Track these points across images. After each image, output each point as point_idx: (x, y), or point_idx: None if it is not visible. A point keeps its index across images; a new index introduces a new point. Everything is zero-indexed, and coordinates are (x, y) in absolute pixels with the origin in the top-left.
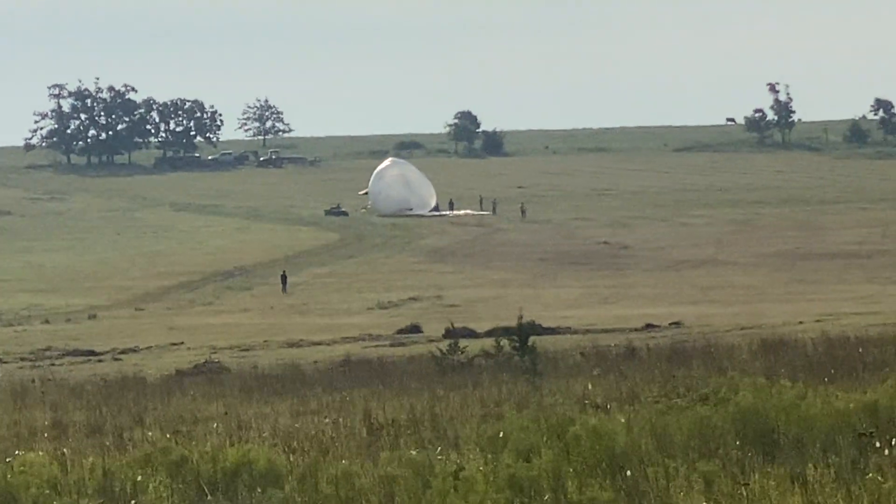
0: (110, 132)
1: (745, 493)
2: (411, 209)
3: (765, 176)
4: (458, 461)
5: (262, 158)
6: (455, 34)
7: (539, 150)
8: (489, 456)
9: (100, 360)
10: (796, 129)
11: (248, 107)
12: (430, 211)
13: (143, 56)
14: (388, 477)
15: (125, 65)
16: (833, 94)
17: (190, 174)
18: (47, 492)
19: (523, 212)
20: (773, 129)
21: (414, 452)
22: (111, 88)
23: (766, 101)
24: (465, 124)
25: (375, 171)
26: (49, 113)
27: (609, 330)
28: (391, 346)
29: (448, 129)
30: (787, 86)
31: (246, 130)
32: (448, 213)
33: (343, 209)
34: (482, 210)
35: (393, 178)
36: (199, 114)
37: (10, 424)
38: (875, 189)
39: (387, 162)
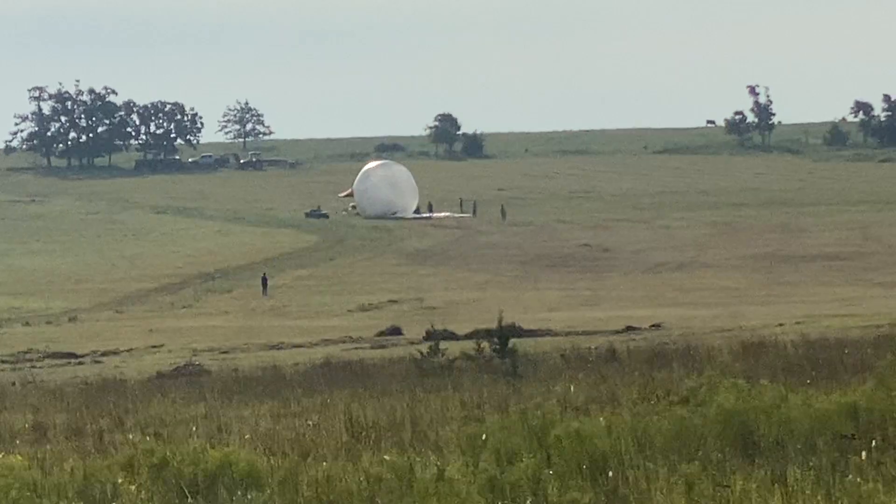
0: (91, 135)
1: (725, 496)
2: (396, 212)
3: (745, 178)
4: (439, 464)
5: (242, 161)
6: (435, 36)
7: (519, 152)
8: (469, 458)
9: (80, 363)
10: (776, 131)
11: (229, 109)
12: (413, 213)
13: (124, 59)
14: (370, 479)
15: (105, 67)
16: (813, 96)
17: (170, 177)
18: (27, 494)
19: (503, 214)
20: (753, 132)
21: (393, 455)
22: (91, 91)
23: (746, 104)
24: (446, 126)
25: (362, 171)
26: (29, 115)
27: (589, 332)
28: (371, 348)
29: (428, 131)
30: (767, 88)
31: (226, 133)
32: (429, 215)
33: (323, 211)
34: (462, 212)
35: (380, 178)
36: (179, 116)
37: None
38: (855, 191)
39: (374, 162)
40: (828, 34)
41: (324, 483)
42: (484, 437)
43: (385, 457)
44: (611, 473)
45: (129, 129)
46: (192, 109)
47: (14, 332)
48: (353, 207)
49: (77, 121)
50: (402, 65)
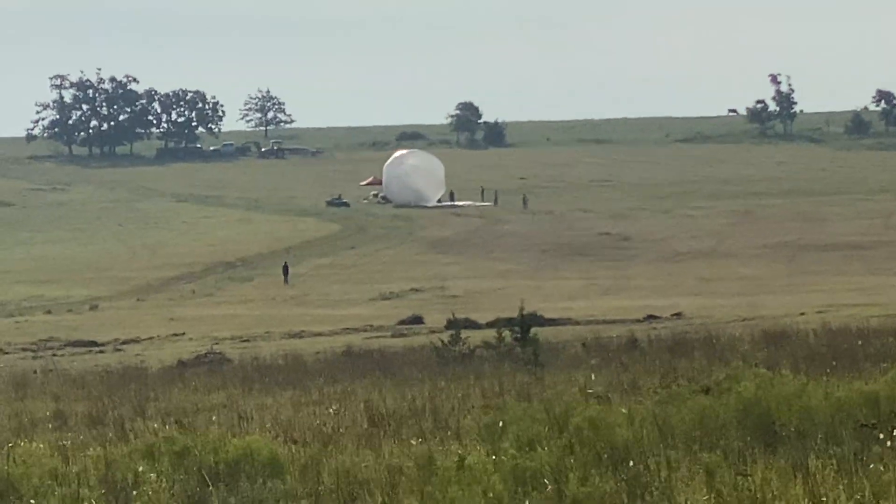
0: (112, 123)
1: (746, 485)
2: (426, 200)
3: (766, 167)
4: (460, 452)
5: (263, 149)
6: (457, 25)
7: (541, 141)
8: (490, 447)
9: (101, 351)
10: (798, 120)
11: (250, 97)
12: (438, 202)
13: (145, 47)
14: (391, 468)
15: (127, 55)
16: (835, 85)
17: (191, 165)
18: (49, 482)
19: (525, 203)
20: (774, 121)
21: (415, 443)
22: (113, 79)
23: (767, 93)
24: (467, 115)
25: (394, 157)
26: (51, 103)
27: (610, 321)
28: (392, 336)
29: (450, 120)
30: (789, 77)
31: (248, 121)
32: (450, 203)
33: (345, 200)
34: (484, 201)
35: (412, 166)
36: (200, 104)
37: (12, 415)
38: (876, 180)
39: (404, 150)
40: (850, 23)
41: (345, 471)
42: (505, 425)
43: (413, 442)
44: (632, 462)
45: (150, 118)
46: (214, 97)
47: (35, 320)
48: (375, 195)
49: (98, 109)
50: (423, 53)
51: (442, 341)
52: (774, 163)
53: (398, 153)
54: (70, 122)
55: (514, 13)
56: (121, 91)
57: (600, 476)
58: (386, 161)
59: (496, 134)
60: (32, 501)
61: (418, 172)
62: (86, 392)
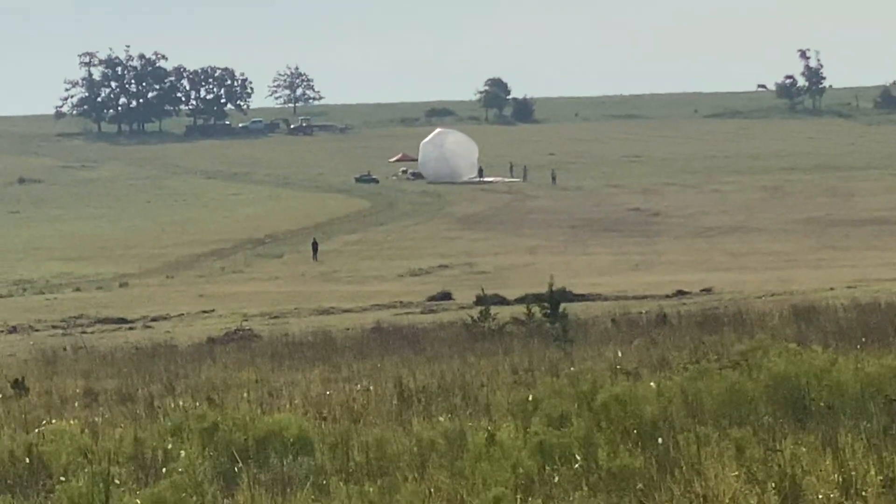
0: (141, 100)
1: (776, 460)
2: (458, 177)
3: (795, 142)
4: (490, 428)
5: (292, 126)
6: (486, 1)
7: (569, 116)
8: (520, 423)
9: (131, 328)
10: (827, 95)
11: (279, 74)
12: (469, 178)
13: (174, 24)
14: (421, 443)
15: (156, 33)
16: (864, 60)
17: (220, 142)
18: (79, 460)
19: (554, 179)
20: (803, 96)
21: (445, 419)
22: (142, 56)
23: (796, 68)
24: (496, 91)
25: (435, 134)
26: (80, 81)
27: (640, 297)
28: (422, 313)
29: (478, 96)
30: (818, 52)
31: (276, 98)
32: (479, 179)
33: (374, 176)
34: (512, 177)
35: (453, 144)
36: (229, 81)
37: (42, 392)
38: None
39: (441, 130)
40: None
41: (375, 448)
42: (534, 401)
43: (442, 418)
44: (661, 438)
45: (179, 95)
46: (243, 74)
47: (65, 297)
48: (404, 172)
49: (127, 86)
50: (452, 29)
51: (471, 317)
52: (803, 138)
53: (437, 132)
54: (99, 99)
55: None
56: (149, 68)
57: (629, 452)
58: (415, 137)
59: (525, 110)
60: (62, 479)
61: (456, 154)
62: (115, 369)
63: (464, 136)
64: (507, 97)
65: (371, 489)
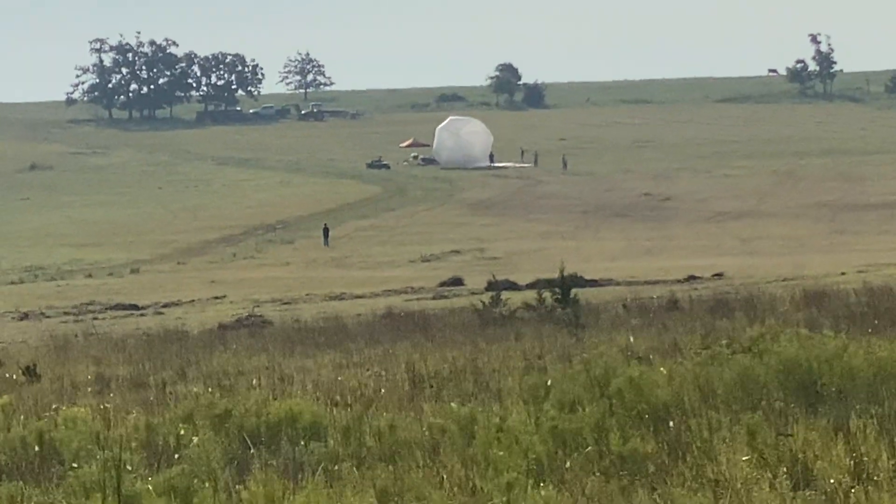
0: (151, 86)
1: (788, 445)
2: (471, 164)
3: (806, 127)
4: (501, 413)
5: (303, 112)
6: None
7: (580, 102)
8: (532, 408)
9: (142, 314)
10: (838, 79)
11: (290, 60)
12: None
13: (185, 10)
14: (433, 429)
15: (166, 19)
16: (875, 44)
17: (231, 128)
18: (90, 446)
19: (565, 164)
20: (814, 80)
21: (456, 405)
22: (152, 42)
23: (807, 52)
24: (507, 77)
25: (450, 121)
26: (90, 67)
27: (651, 282)
28: (433, 298)
29: (489, 81)
30: (829, 36)
31: (287, 84)
32: (489, 165)
33: (385, 162)
34: (523, 163)
35: (469, 133)
36: (240, 67)
37: (54, 379)
38: None
39: (458, 117)
40: None
41: (387, 433)
42: (546, 386)
43: (454, 404)
44: (672, 423)
45: (189, 81)
46: (253, 60)
47: (76, 283)
48: (415, 157)
49: (138, 72)
50: (463, 15)
51: (482, 303)
52: (814, 122)
53: (453, 118)
54: (110, 85)
55: None
56: (160, 54)
57: (641, 437)
58: (426, 123)
59: (536, 95)
60: (74, 465)
61: (471, 143)
62: (127, 356)
63: (481, 126)
64: (518, 83)
65: (383, 474)
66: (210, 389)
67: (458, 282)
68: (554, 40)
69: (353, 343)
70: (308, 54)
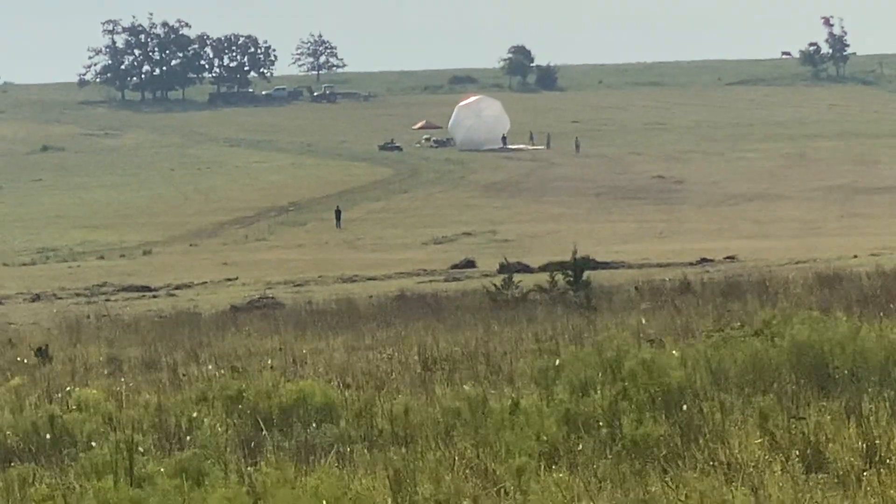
0: (164, 68)
1: (800, 428)
2: (485, 146)
3: (819, 110)
4: (513, 396)
5: (315, 94)
6: None
7: (593, 84)
8: (544, 391)
9: (154, 296)
10: (851, 62)
11: (302, 42)
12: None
13: None
14: (446, 411)
15: (179, 0)
16: (888, 27)
17: (243, 110)
18: (103, 428)
19: (577, 146)
20: (827, 63)
21: (468, 387)
22: (165, 24)
23: (820, 35)
24: (520, 59)
25: (473, 101)
26: (103, 49)
27: (664, 264)
28: (445, 281)
29: (502, 63)
30: (842, 19)
31: (300, 66)
32: (502, 147)
33: (397, 144)
34: (535, 145)
35: (489, 116)
36: (252, 49)
37: (66, 360)
38: None
39: (479, 97)
40: None
41: (399, 415)
42: (558, 368)
43: (466, 386)
44: (685, 405)
45: (202, 62)
46: (266, 42)
47: (89, 265)
48: (427, 139)
49: (150, 54)
50: None
51: (495, 285)
52: (827, 105)
53: (477, 98)
54: (122, 67)
55: None
56: (173, 36)
57: (654, 419)
58: (439, 105)
59: (548, 77)
60: (87, 447)
61: (490, 126)
62: (139, 337)
63: (501, 109)
64: (531, 64)
65: (395, 457)
66: (222, 371)
67: (470, 264)
68: (567, 22)
69: (365, 325)
70: (321, 36)
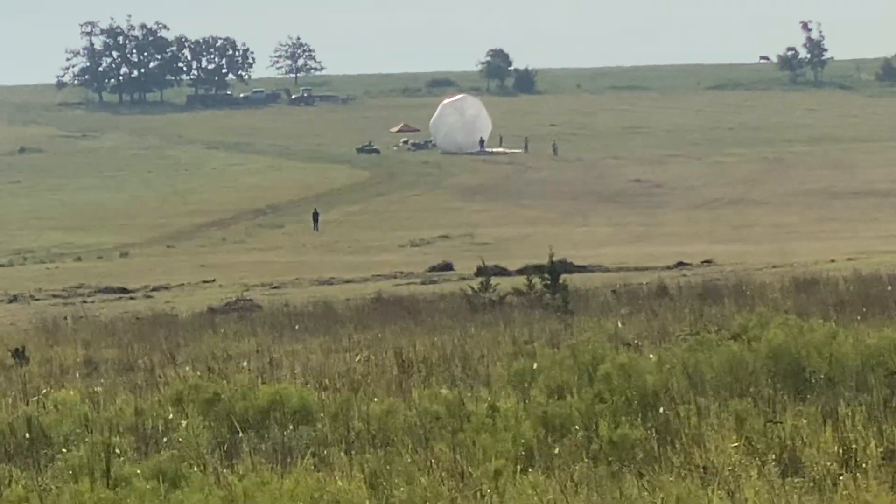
0: (142, 70)
1: (776, 432)
2: (464, 149)
3: (797, 114)
4: (490, 399)
5: (293, 96)
6: None
7: (571, 87)
8: (520, 394)
9: (132, 298)
10: (829, 67)
11: (281, 44)
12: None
13: None
14: (423, 414)
15: (157, 2)
16: (865, 32)
17: (222, 112)
18: (79, 430)
19: (555, 150)
20: (805, 68)
21: (445, 390)
22: (143, 26)
23: (798, 40)
24: (498, 62)
25: (455, 100)
26: (81, 51)
27: (641, 268)
28: (422, 283)
29: (480, 66)
30: (820, 24)
31: (278, 68)
32: (479, 150)
33: (375, 147)
34: (511, 148)
35: (471, 116)
36: (231, 51)
37: (43, 362)
38: None
39: (457, 96)
40: None
41: (375, 417)
42: (535, 372)
43: (443, 389)
44: (661, 409)
45: (180, 65)
46: (244, 44)
47: (66, 266)
48: (405, 142)
49: (129, 56)
50: (454, 1)
51: (472, 288)
52: (805, 110)
53: (461, 97)
54: (100, 69)
55: None
56: (151, 38)
57: (630, 423)
58: (417, 108)
59: (526, 81)
60: (63, 449)
61: (474, 127)
62: (116, 339)
63: (484, 112)
64: (509, 68)
65: (372, 459)
66: (199, 373)
67: (447, 267)
68: (545, 26)
69: (341, 328)
70: (299, 38)
